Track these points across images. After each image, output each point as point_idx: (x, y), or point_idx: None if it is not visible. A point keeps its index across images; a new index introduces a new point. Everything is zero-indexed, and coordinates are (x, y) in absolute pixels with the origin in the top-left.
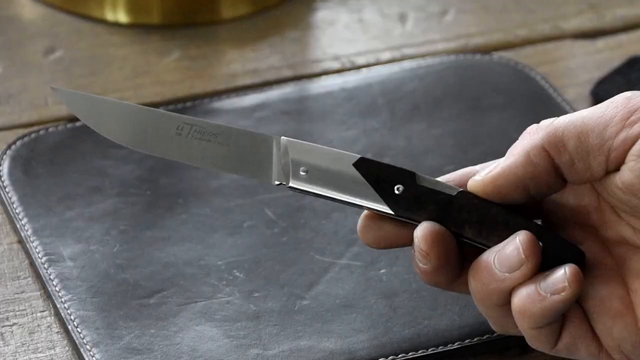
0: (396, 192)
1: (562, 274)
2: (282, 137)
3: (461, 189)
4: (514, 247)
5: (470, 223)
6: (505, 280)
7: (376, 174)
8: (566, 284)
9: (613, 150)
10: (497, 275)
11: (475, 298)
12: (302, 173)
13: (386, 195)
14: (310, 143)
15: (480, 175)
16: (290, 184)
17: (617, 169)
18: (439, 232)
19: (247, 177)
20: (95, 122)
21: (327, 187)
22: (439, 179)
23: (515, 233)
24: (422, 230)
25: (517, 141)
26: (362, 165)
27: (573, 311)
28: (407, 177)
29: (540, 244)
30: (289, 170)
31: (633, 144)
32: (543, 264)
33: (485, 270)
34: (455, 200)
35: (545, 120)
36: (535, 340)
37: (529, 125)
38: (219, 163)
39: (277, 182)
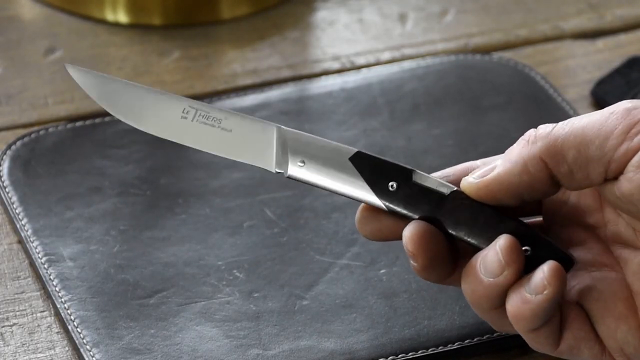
0: (390, 189)
1: (541, 274)
2: (282, 127)
3: (455, 189)
4: (493, 252)
5: (462, 223)
6: (491, 285)
7: (371, 170)
8: (545, 282)
9: (613, 162)
10: (484, 280)
11: (468, 301)
12: (299, 164)
13: (380, 191)
14: (310, 135)
15: (475, 178)
16: (288, 174)
17: (616, 177)
18: (427, 232)
19: (248, 163)
20: (106, 101)
21: (323, 179)
22: (438, 173)
23: (498, 237)
24: (410, 231)
25: (515, 146)
26: (358, 159)
27: (575, 313)
28: (402, 174)
29: (528, 248)
30: (288, 160)
31: (633, 155)
32: (533, 268)
33: (472, 274)
34: (447, 200)
35: (543, 127)
36: (535, 343)
37: (528, 125)
38: (222, 148)
39: (276, 170)
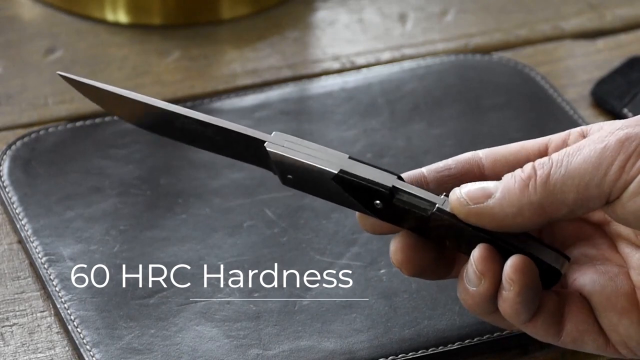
0: (376, 206)
1: (504, 273)
2: (268, 145)
3: (437, 206)
4: (470, 263)
5: (448, 238)
6: (475, 294)
7: (354, 189)
8: (509, 279)
9: (612, 195)
10: (469, 290)
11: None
12: (289, 179)
13: (368, 207)
14: (295, 152)
15: (466, 200)
16: (283, 184)
17: (612, 201)
18: (411, 245)
19: (252, 165)
20: (105, 106)
21: (314, 193)
22: (441, 162)
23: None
24: (394, 245)
25: (514, 185)
26: (340, 180)
27: (578, 305)
28: (383, 194)
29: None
30: (279, 174)
31: (628, 185)
32: None
33: (461, 283)
34: (430, 220)
35: (541, 169)
36: (535, 335)
37: (528, 125)
38: (223, 152)
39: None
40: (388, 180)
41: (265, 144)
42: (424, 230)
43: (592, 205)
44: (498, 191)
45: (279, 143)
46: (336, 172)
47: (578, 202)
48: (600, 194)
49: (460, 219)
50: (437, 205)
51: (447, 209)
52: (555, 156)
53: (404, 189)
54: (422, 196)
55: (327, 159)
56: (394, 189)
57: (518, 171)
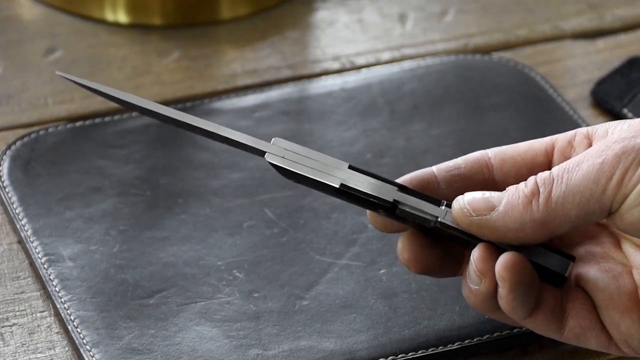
0: (380, 213)
1: (495, 272)
2: (267, 156)
3: (438, 222)
4: (470, 263)
5: (452, 239)
6: (478, 293)
7: (357, 201)
8: (500, 277)
9: (613, 208)
10: (472, 288)
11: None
12: (293, 180)
13: (374, 211)
14: (296, 158)
15: (469, 210)
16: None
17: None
18: (419, 244)
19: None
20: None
21: (319, 191)
22: (451, 162)
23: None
24: (402, 243)
25: (517, 202)
26: (343, 192)
27: (582, 302)
28: (385, 207)
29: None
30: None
31: (626, 199)
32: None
33: (465, 282)
34: (434, 229)
35: (542, 182)
36: (536, 330)
37: (528, 125)
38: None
39: None
40: (389, 193)
41: (265, 155)
42: (430, 233)
43: (594, 218)
44: (501, 204)
45: (278, 154)
46: (337, 186)
47: (580, 217)
48: (601, 208)
49: (462, 228)
50: (438, 219)
51: (449, 220)
52: (555, 171)
53: (405, 202)
54: (424, 209)
55: (328, 172)
56: (395, 203)
57: (522, 185)
